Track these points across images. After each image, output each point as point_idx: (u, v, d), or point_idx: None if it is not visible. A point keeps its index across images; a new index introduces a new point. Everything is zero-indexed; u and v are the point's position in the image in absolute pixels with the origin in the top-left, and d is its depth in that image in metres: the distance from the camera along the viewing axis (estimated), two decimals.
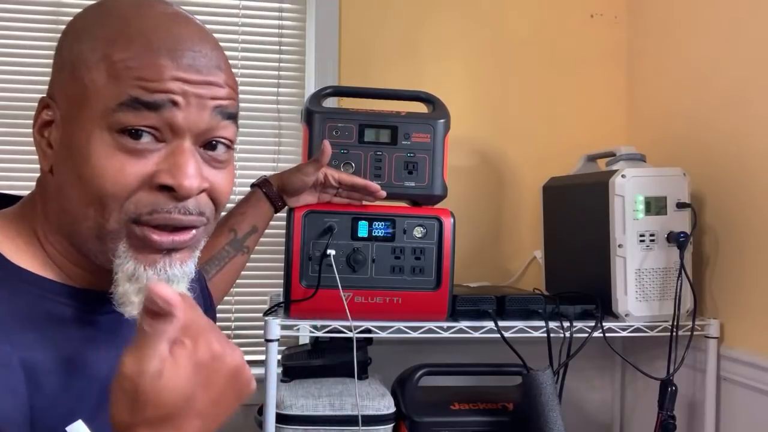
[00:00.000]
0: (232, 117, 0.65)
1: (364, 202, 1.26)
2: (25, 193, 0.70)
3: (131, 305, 0.62)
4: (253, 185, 1.20)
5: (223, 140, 0.65)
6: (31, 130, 0.66)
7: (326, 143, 1.19)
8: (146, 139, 0.60)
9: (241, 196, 1.22)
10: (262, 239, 1.67)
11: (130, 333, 0.68)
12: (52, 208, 0.64)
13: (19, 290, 0.61)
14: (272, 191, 1.18)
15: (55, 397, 0.58)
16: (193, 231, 0.64)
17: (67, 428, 0.59)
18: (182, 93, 0.60)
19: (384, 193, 1.23)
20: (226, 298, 1.68)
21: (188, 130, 0.61)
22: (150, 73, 0.59)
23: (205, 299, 0.98)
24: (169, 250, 0.63)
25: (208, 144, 0.64)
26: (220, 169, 0.65)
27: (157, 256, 0.63)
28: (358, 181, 1.22)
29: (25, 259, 0.63)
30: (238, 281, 1.67)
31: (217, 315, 1.66)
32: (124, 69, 0.60)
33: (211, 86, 0.62)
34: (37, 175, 0.67)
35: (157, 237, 0.62)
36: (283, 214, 1.30)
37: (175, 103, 0.60)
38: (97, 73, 0.60)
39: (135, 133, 0.60)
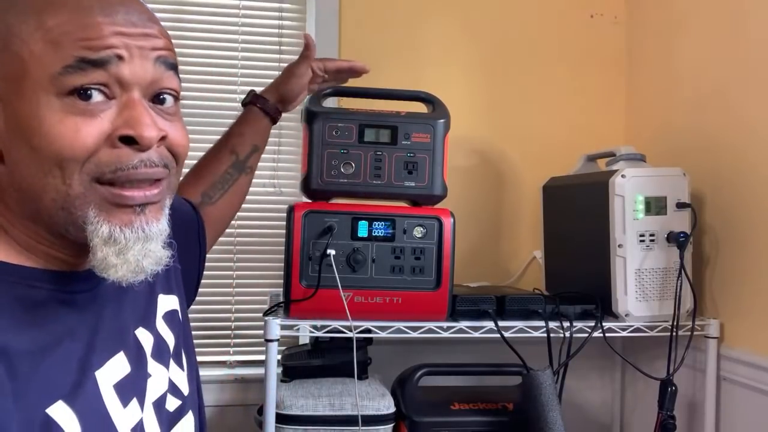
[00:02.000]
0: (174, 67, 0.66)
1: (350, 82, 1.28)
2: None
3: (113, 268, 0.62)
4: (245, 103, 1.18)
5: (169, 91, 0.65)
6: None
7: (308, 36, 1.19)
8: (97, 98, 0.60)
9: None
10: (262, 239, 1.69)
11: (104, 310, 0.68)
12: (10, 197, 0.63)
13: None
14: (268, 105, 1.16)
15: (31, 380, 0.58)
16: (161, 184, 0.64)
17: (47, 410, 0.58)
18: (125, 46, 0.61)
19: (368, 69, 1.25)
20: (226, 298, 1.69)
21: (136, 83, 0.62)
22: (90, 32, 0.60)
23: (196, 224, 0.98)
24: (142, 206, 0.63)
25: (155, 98, 0.64)
26: (172, 122, 0.66)
27: (131, 215, 0.62)
28: (343, 64, 1.23)
29: None
30: (237, 281, 1.70)
31: (217, 315, 1.68)
32: (62, 33, 0.59)
33: (149, 37, 0.63)
34: None
35: (129, 192, 0.62)
36: (283, 214, 1.30)
37: (120, 57, 0.60)
38: (34, 43, 0.60)
39: (84, 93, 0.59)
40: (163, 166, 0.64)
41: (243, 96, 1.69)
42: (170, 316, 0.81)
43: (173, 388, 0.78)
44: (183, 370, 0.81)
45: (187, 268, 0.92)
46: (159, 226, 0.64)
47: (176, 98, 0.67)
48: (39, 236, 0.64)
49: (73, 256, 0.65)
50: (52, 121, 0.59)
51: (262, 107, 1.15)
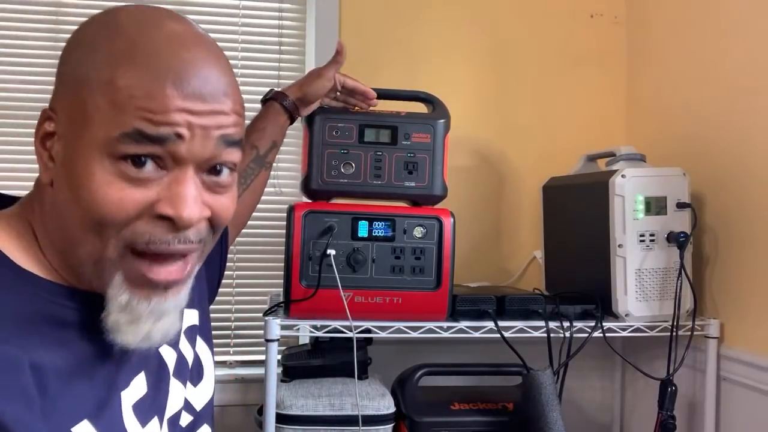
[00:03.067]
0: (237, 144, 0.64)
1: (358, 108, 1.29)
2: (23, 193, 0.69)
3: (122, 334, 0.62)
4: (264, 100, 1.18)
5: (227, 165, 0.64)
6: (28, 130, 0.66)
7: (341, 42, 1.20)
8: (149, 167, 0.59)
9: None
10: (262, 239, 1.69)
11: None
12: (50, 222, 0.64)
13: (24, 292, 0.61)
14: (289, 103, 1.16)
15: (59, 398, 0.58)
16: (190, 259, 0.64)
17: (72, 429, 0.59)
18: (187, 125, 0.59)
19: (377, 103, 1.27)
20: (226, 298, 1.69)
21: (192, 160, 0.61)
22: (154, 104, 0.58)
23: (221, 254, 0.99)
24: (165, 286, 0.63)
25: (212, 169, 0.63)
26: (222, 194, 0.65)
27: (152, 291, 0.62)
28: (360, 86, 1.24)
29: (27, 260, 0.63)
30: (237, 281, 1.70)
31: (217, 315, 1.68)
32: (127, 97, 0.58)
33: (216, 115, 0.61)
34: (36, 175, 0.67)
35: (155, 275, 0.62)
36: (283, 214, 1.30)
37: (179, 136, 0.59)
38: (100, 97, 0.59)
39: (138, 161, 0.59)
40: (198, 242, 0.64)
41: (243, 96, 1.69)
42: (190, 331, 0.82)
43: (187, 405, 0.78)
44: (195, 385, 0.81)
45: (210, 272, 0.92)
46: (177, 300, 0.64)
47: (233, 169, 0.65)
48: (68, 266, 0.64)
49: (95, 285, 0.65)
50: (101, 182, 0.59)
51: (283, 104, 1.16)
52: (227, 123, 0.62)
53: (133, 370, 0.68)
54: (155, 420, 0.69)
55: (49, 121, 0.63)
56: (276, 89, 1.19)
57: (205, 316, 0.87)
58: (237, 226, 1.10)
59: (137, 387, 0.68)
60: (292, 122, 1.19)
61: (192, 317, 0.83)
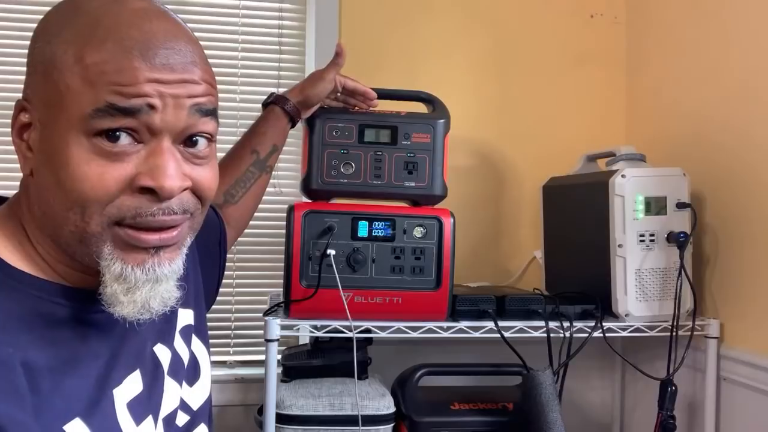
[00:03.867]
0: (211, 112, 0.65)
1: (359, 108, 1.29)
2: (11, 193, 0.70)
3: (120, 305, 0.62)
4: (266, 103, 1.19)
5: (203, 135, 0.64)
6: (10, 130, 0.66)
7: (341, 44, 1.21)
8: (124, 141, 0.59)
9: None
10: (262, 239, 1.69)
11: (124, 330, 0.68)
12: (36, 211, 0.64)
13: (15, 290, 0.61)
14: (290, 106, 1.17)
15: (51, 396, 0.58)
16: (179, 228, 0.64)
17: (64, 427, 0.59)
18: (159, 95, 0.59)
19: (377, 103, 1.28)
20: (226, 298, 1.69)
21: (166, 131, 0.61)
22: (125, 77, 0.58)
23: (218, 229, 0.98)
24: (157, 249, 0.63)
25: (188, 140, 0.63)
26: (202, 165, 0.65)
27: (145, 256, 0.62)
28: (360, 87, 1.25)
29: (18, 259, 0.63)
30: (238, 281, 1.70)
31: (217, 315, 1.68)
32: (98, 73, 0.59)
33: (186, 84, 0.61)
34: (21, 175, 0.67)
35: (145, 236, 0.62)
36: (283, 214, 1.30)
37: (152, 107, 0.59)
38: (71, 77, 0.59)
39: (112, 135, 0.59)
40: (183, 213, 0.64)
41: (243, 96, 1.69)
42: (186, 331, 0.82)
43: (183, 405, 0.78)
44: (191, 385, 0.81)
45: (207, 274, 0.92)
46: (172, 266, 0.64)
47: (210, 140, 0.66)
48: (57, 253, 0.64)
49: (89, 276, 0.65)
50: (79, 160, 0.59)
51: (284, 107, 1.17)
52: (198, 92, 0.62)
53: (126, 368, 0.68)
54: (150, 419, 0.69)
55: (23, 112, 0.64)
56: (276, 93, 1.20)
57: (201, 316, 0.87)
58: (237, 229, 1.10)
59: (132, 385, 0.68)
60: (293, 126, 1.20)
61: (187, 317, 0.82)
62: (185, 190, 0.63)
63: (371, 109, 1.31)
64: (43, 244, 0.64)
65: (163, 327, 0.76)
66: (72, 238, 0.61)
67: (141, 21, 0.61)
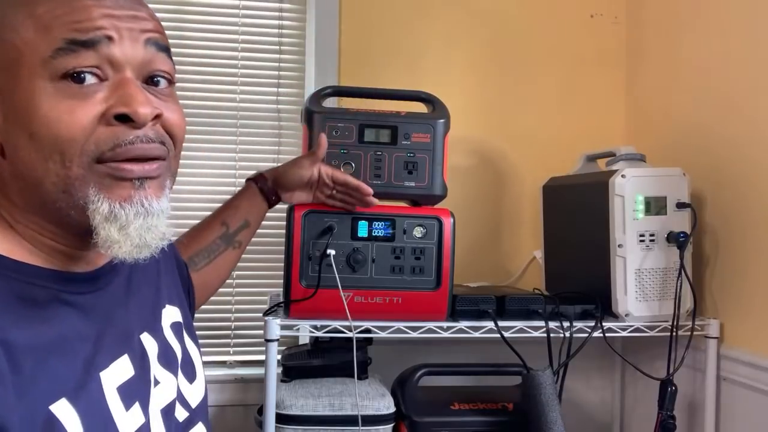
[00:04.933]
0: (165, 49, 0.66)
1: (358, 207, 1.25)
2: None
3: (117, 244, 0.62)
4: (248, 180, 1.19)
5: (162, 74, 0.66)
6: None
7: (323, 136, 1.19)
8: (90, 80, 0.61)
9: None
10: (262, 239, 1.69)
11: (110, 312, 0.68)
12: (12, 190, 0.64)
13: None
14: (266, 186, 1.17)
15: (35, 376, 0.58)
16: (159, 162, 0.65)
17: (50, 407, 0.58)
18: (114, 28, 0.61)
19: (376, 201, 1.23)
20: (226, 298, 1.69)
21: (127, 63, 0.62)
22: (79, 15, 0.60)
23: (187, 285, 0.97)
24: (141, 181, 0.63)
25: (149, 80, 0.65)
26: (166, 102, 0.66)
27: (131, 190, 0.62)
28: (351, 181, 1.21)
29: None
30: (238, 281, 1.70)
31: (217, 315, 1.68)
32: (51, 18, 0.60)
33: (138, 20, 0.64)
34: None
35: (128, 166, 0.62)
36: (283, 214, 1.30)
37: (109, 38, 0.61)
38: (25, 30, 0.61)
39: (77, 76, 0.60)
40: (160, 143, 0.64)
41: (243, 96, 1.70)
42: (176, 327, 0.81)
43: (181, 398, 0.78)
44: (191, 382, 0.81)
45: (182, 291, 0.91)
46: (160, 203, 0.64)
47: (170, 81, 0.67)
48: (43, 228, 0.64)
49: (78, 247, 0.65)
50: (48, 105, 0.60)
51: (260, 186, 1.17)
52: (150, 27, 0.65)
53: (113, 352, 0.67)
54: (137, 406, 0.68)
55: None
56: (260, 171, 1.20)
57: (187, 316, 0.86)
58: (198, 297, 1.06)
59: (121, 369, 0.67)
60: (270, 206, 1.19)
61: (174, 313, 0.82)
62: (156, 118, 0.64)
63: (371, 109, 1.31)
64: (26, 223, 0.64)
65: (149, 317, 0.76)
66: (55, 191, 0.61)
67: None
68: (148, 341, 0.74)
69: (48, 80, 0.60)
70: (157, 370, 0.74)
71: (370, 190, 1.21)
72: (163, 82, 0.66)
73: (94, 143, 0.61)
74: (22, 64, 0.61)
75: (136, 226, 0.62)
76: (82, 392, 0.61)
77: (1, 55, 0.62)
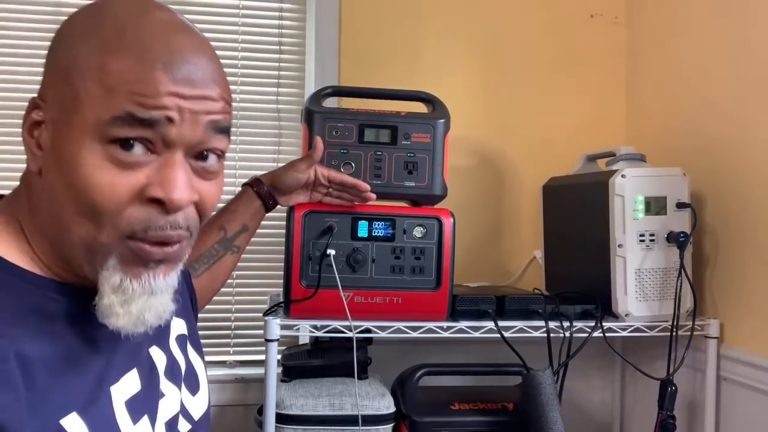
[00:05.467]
0: (226, 131, 0.65)
1: (356, 203, 1.26)
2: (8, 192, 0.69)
3: (116, 316, 0.62)
4: (244, 184, 1.19)
5: (215, 151, 0.65)
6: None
7: (318, 139, 1.20)
8: (138, 150, 0.60)
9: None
10: (261, 239, 1.69)
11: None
12: (40, 210, 0.64)
13: (10, 285, 0.61)
14: (263, 190, 1.17)
15: (47, 390, 0.58)
16: (179, 244, 0.64)
17: (60, 421, 0.58)
18: (177, 109, 0.60)
19: (373, 196, 1.23)
20: (226, 298, 1.69)
21: (181, 144, 0.61)
22: (145, 87, 0.59)
23: (190, 293, 0.98)
24: (157, 263, 0.63)
25: (199, 154, 0.64)
26: (210, 180, 0.65)
27: (144, 269, 0.63)
28: (347, 179, 1.22)
29: (14, 254, 0.63)
30: (238, 281, 1.70)
31: (217, 315, 1.68)
32: (118, 81, 0.59)
33: (206, 101, 0.62)
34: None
35: (150, 248, 0.62)
36: (283, 214, 1.30)
37: (170, 120, 0.60)
38: (91, 82, 0.59)
39: (127, 144, 0.59)
40: (186, 229, 0.64)
41: (243, 96, 1.70)
42: (181, 340, 0.82)
43: (184, 411, 0.78)
44: (194, 395, 0.81)
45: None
46: (167, 280, 0.64)
47: (221, 156, 0.66)
48: (55, 258, 0.64)
49: (87, 280, 0.65)
50: (92, 165, 0.59)
51: (257, 191, 1.17)
52: (216, 109, 0.63)
53: (123, 366, 0.68)
54: (146, 419, 0.69)
55: (37, 110, 0.63)
56: (256, 175, 1.21)
57: (193, 327, 0.87)
58: (198, 306, 1.07)
59: (130, 383, 0.68)
60: (268, 210, 1.19)
61: (180, 326, 0.83)
62: (191, 204, 0.63)
63: (371, 109, 1.31)
64: (40, 243, 0.64)
65: (158, 331, 0.76)
66: (80, 244, 0.61)
67: (166, 33, 0.62)
68: (156, 354, 0.74)
69: (97, 140, 0.59)
70: (163, 383, 0.74)
71: (367, 186, 1.22)
72: (212, 158, 0.65)
73: (127, 222, 0.60)
74: (79, 113, 0.60)
75: (138, 304, 0.62)
76: (92, 406, 0.62)
77: (63, 94, 0.61)
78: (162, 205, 0.61)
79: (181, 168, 0.61)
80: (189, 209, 0.64)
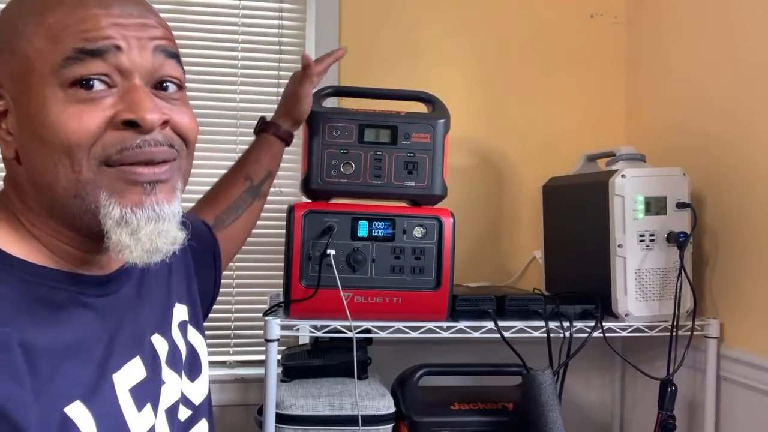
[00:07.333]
0: (175, 56, 0.67)
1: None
2: None
3: (128, 249, 0.62)
4: (259, 131, 1.20)
5: (171, 80, 0.66)
6: None
7: (306, 55, 1.22)
8: (98, 87, 0.62)
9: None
10: (261, 239, 1.69)
11: (124, 315, 0.69)
12: (27, 192, 0.64)
13: (10, 275, 0.61)
14: (281, 130, 1.18)
15: (51, 378, 0.58)
16: (169, 164, 0.65)
17: (65, 409, 0.59)
18: (122, 37, 0.62)
19: (344, 50, 1.27)
20: (226, 298, 1.69)
21: (135, 71, 0.63)
22: (88, 24, 0.61)
23: (213, 249, 0.99)
24: (152, 185, 0.63)
25: (158, 85, 0.65)
26: (176, 106, 0.66)
27: (142, 195, 0.63)
28: (328, 60, 1.25)
29: (14, 245, 0.63)
30: (237, 281, 1.70)
31: (217, 315, 1.68)
32: (61, 28, 0.61)
33: (146, 28, 0.64)
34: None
35: (138, 169, 0.63)
36: (283, 214, 1.30)
37: (118, 47, 0.62)
38: (37, 39, 0.62)
39: (86, 83, 0.61)
40: (169, 146, 0.65)
41: (243, 96, 1.69)
42: (182, 326, 0.82)
43: (184, 398, 0.78)
44: (193, 381, 0.81)
45: (201, 275, 0.92)
46: (171, 207, 0.65)
47: (180, 86, 0.68)
48: (57, 232, 0.65)
49: (91, 251, 0.66)
50: (57, 111, 0.61)
51: (277, 134, 1.18)
52: (159, 35, 0.65)
53: (126, 354, 0.68)
54: (149, 406, 0.69)
55: None
56: (264, 118, 1.21)
57: (196, 310, 0.87)
58: (228, 254, 1.09)
59: (133, 371, 0.68)
60: (287, 145, 1.21)
61: (182, 312, 0.83)
62: (165, 123, 0.64)
63: (371, 109, 1.31)
64: (41, 225, 0.65)
65: (160, 318, 0.77)
66: (67, 195, 0.62)
67: None
68: (159, 342, 0.75)
69: (58, 87, 0.61)
70: (165, 371, 0.74)
71: (340, 49, 1.27)
72: (172, 87, 0.67)
73: (101, 146, 0.61)
74: (33, 73, 0.62)
75: (147, 231, 0.63)
76: (96, 394, 0.62)
77: (14, 66, 0.63)
78: (135, 127, 0.62)
79: (142, 91, 0.63)
80: (166, 130, 0.65)
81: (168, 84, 0.66)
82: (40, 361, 0.58)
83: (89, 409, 0.60)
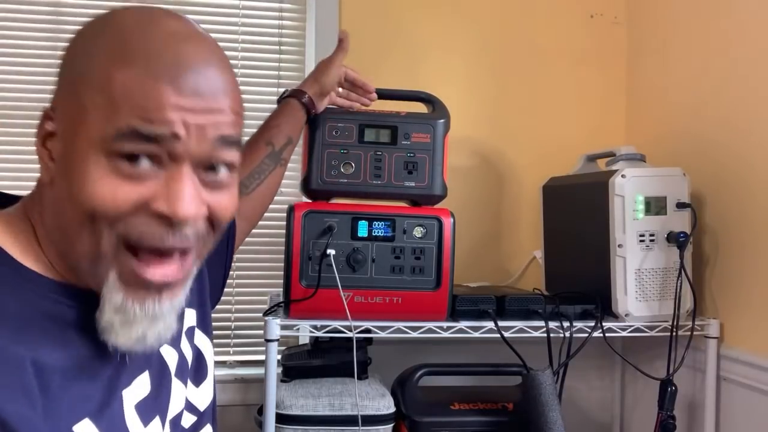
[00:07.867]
0: (235, 143, 0.63)
1: (357, 108, 1.30)
2: (24, 193, 0.69)
3: (115, 335, 0.62)
4: (284, 97, 1.20)
5: (225, 164, 0.63)
6: (28, 130, 0.66)
7: (343, 31, 1.23)
8: (144, 163, 0.58)
9: None
10: (261, 239, 1.70)
11: None
12: (49, 220, 0.64)
13: (25, 290, 0.60)
14: (307, 99, 1.18)
15: (61, 396, 0.58)
16: (187, 258, 0.63)
17: (73, 427, 0.59)
18: (183, 123, 0.58)
19: (375, 97, 1.28)
20: (226, 298, 1.68)
21: (188, 158, 0.60)
22: (150, 102, 0.57)
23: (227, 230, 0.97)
24: (159, 288, 0.62)
25: (209, 167, 0.62)
26: (221, 192, 0.64)
27: (146, 295, 0.62)
28: (359, 78, 1.25)
29: (28, 259, 0.63)
30: (237, 281, 1.70)
31: (217, 315, 1.68)
32: (123, 95, 0.57)
33: (213, 114, 0.60)
34: (37, 175, 0.66)
35: (148, 276, 0.61)
36: (283, 214, 1.30)
37: (175, 135, 0.58)
38: (98, 95, 0.58)
39: (132, 158, 0.58)
40: (195, 240, 0.62)
41: (243, 96, 1.69)
42: (190, 332, 0.82)
43: (189, 406, 0.78)
44: (198, 385, 0.81)
45: (212, 272, 0.92)
46: (173, 303, 0.63)
47: (232, 168, 0.64)
48: (64, 265, 0.64)
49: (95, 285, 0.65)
50: (95, 177, 0.58)
51: (301, 101, 1.18)
52: (225, 122, 0.61)
53: (135, 369, 0.68)
54: (157, 420, 0.69)
55: (49, 121, 0.63)
56: (292, 88, 1.21)
57: (204, 313, 0.86)
58: (250, 221, 1.09)
59: (140, 386, 0.68)
60: (308, 118, 1.21)
61: (190, 318, 0.82)
62: (201, 219, 0.62)
63: (371, 108, 1.31)
64: (50, 250, 0.64)
65: None
66: (83, 256, 0.61)
67: (173, 43, 0.60)
68: (168, 353, 0.75)
69: (103, 154, 0.58)
70: (173, 381, 0.74)
71: (373, 88, 1.27)
72: (223, 170, 0.63)
73: (125, 225, 0.59)
74: (85, 126, 0.59)
75: (138, 328, 0.62)
76: (105, 412, 0.62)
77: (71, 104, 0.60)
78: (167, 219, 0.59)
79: (188, 181, 0.60)
80: (198, 222, 0.62)
81: (219, 167, 0.63)
82: (51, 379, 0.58)
83: (98, 426, 0.60)
